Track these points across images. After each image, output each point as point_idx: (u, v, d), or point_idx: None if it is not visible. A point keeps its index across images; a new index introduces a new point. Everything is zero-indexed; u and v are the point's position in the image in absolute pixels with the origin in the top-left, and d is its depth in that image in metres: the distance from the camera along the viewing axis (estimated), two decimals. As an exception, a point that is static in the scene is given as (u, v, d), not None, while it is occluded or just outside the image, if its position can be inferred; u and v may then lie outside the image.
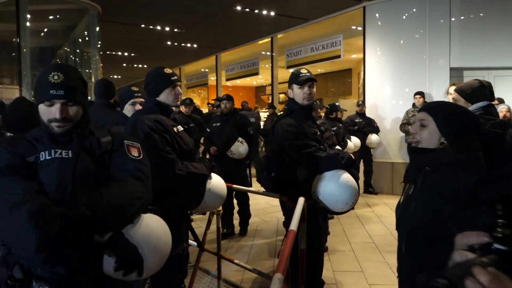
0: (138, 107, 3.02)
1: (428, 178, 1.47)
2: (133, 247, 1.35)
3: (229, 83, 15.16)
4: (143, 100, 3.05)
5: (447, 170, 1.43)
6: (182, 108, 5.87)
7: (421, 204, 1.45)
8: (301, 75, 2.74)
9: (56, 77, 1.43)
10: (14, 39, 7.31)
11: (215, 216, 3.27)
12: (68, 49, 8.95)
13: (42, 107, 1.47)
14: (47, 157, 1.43)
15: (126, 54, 12.85)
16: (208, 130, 5.17)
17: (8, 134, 2.29)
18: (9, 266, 1.38)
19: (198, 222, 5.40)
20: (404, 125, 6.64)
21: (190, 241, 2.83)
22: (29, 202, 1.27)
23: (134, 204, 1.39)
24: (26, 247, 1.23)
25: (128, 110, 3.07)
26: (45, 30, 8.38)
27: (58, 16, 8.17)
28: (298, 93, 2.77)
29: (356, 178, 2.59)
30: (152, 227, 1.46)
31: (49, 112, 1.45)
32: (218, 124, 5.00)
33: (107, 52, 11.70)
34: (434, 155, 1.49)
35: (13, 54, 7.60)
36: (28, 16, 7.24)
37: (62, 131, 1.47)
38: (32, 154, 1.44)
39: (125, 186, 1.43)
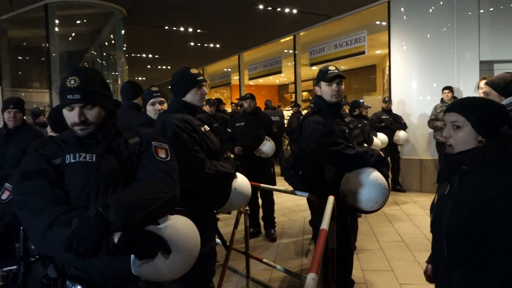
0: (158, 106, 3.05)
1: (467, 177, 1.41)
2: (147, 231, 1.32)
3: (251, 82, 15.17)
4: (162, 99, 3.08)
5: (488, 168, 1.37)
6: (207, 108, 5.88)
7: (460, 204, 1.40)
8: (329, 72, 2.70)
9: (72, 82, 1.45)
10: (43, 44, 7.54)
11: (242, 215, 3.28)
12: (95, 53, 9.15)
13: (65, 112, 1.50)
14: (72, 160, 1.46)
15: (150, 56, 13.03)
16: (230, 130, 5.06)
17: (50, 133, 2.36)
18: (45, 265, 1.42)
19: (225, 221, 5.42)
20: (433, 121, 6.48)
21: (218, 240, 2.84)
22: (49, 208, 1.32)
23: (152, 204, 1.36)
24: (48, 249, 1.35)
25: (149, 110, 3.10)
26: (73, 34, 8.60)
27: (85, 21, 8.36)
28: (326, 90, 2.73)
29: (386, 176, 2.54)
30: (179, 228, 1.44)
31: (70, 116, 1.48)
32: (242, 123, 4.93)
33: (132, 55, 11.90)
34: (472, 153, 1.43)
35: (43, 58, 7.84)
36: (57, 21, 7.44)
37: (85, 134, 1.49)
38: (59, 157, 1.47)
39: (143, 187, 1.42)
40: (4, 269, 1.63)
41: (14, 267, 1.57)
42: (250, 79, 13.32)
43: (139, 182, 1.46)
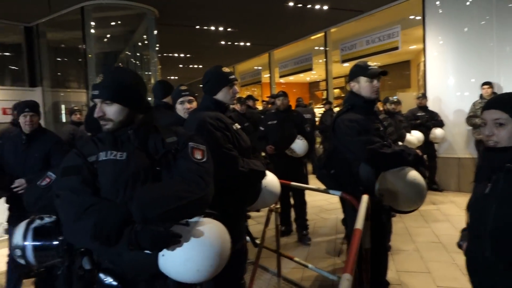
0: (187, 105, 3.05)
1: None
2: (157, 227, 1.32)
3: (282, 80, 15.13)
4: (191, 98, 3.09)
5: None
6: (237, 107, 5.85)
7: (508, 203, 1.33)
8: (370, 67, 2.62)
9: (98, 79, 1.53)
10: (80, 46, 7.80)
11: (273, 213, 3.26)
12: (129, 53, 9.37)
13: None
14: (104, 158, 1.50)
15: (182, 55, 13.23)
16: (262, 128, 4.98)
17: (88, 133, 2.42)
18: (82, 257, 1.47)
19: (256, 219, 5.42)
20: (471, 118, 6.23)
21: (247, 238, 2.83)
22: (80, 201, 1.38)
23: (174, 202, 1.36)
24: (77, 240, 1.41)
25: (178, 109, 3.11)
26: (108, 36, 8.84)
27: (119, 22, 8.58)
28: (366, 86, 2.65)
29: (424, 176, 2.46)
30: (208, 231, 1.41)
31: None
32: (275, 121, 4.85)
33: (164, 54, 12.10)
34: None
35: (80, 59, 8.11)
36: (92, 23, 7.67)
37: (105, 129, 1.53)
38: (94, 154, 1.52)
39: (169, 184, 1.44)
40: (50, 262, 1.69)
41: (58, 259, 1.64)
42: (280, 76, 13.28)
43: (168, 179, 1.48)
